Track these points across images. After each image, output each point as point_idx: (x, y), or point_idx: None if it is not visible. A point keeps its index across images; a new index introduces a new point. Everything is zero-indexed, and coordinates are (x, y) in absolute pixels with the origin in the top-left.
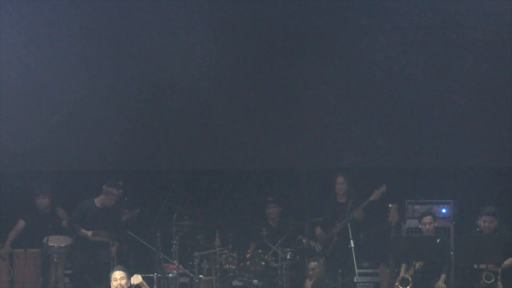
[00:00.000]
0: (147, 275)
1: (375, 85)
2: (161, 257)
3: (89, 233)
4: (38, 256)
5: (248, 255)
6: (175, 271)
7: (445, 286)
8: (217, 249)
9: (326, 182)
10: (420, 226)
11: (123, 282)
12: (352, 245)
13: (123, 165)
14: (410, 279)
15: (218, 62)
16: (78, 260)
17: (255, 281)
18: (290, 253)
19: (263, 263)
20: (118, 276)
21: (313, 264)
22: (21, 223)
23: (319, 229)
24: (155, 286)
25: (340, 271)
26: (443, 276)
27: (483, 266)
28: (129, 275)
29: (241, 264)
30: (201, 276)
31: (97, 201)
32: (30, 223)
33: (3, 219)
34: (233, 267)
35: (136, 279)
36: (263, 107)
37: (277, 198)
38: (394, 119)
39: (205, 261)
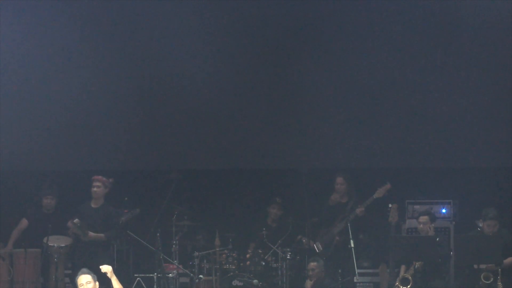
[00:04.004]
0: (147, 275)
1: (375, 85)
2: (161, 257)
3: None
4: (38, 256)
5: (248, 255)
6: (175, 271)
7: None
8: (217, 249)
9: (326, 182)
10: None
11: (90, 286)
12: (352, 245)
13: (124, 165)
14: (410, 278)
15: (218, 62)
16: (78, 261)
17: (255, 281)
18: (290, 253)
19: (263, 263)
20: (83, 281)
21: (313, 264)
22: (24, 223)
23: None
24: (155, 286)
25: (340, 271)
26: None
27: (483, 266)
28: (95, 278)
29: (241, 264)
30: (201, 276)
31: (92, 202)
32: (33, 222)
33: (6, 218)
34: (233, 267)
35: (106, 268)
36: (263, 107)
37: (284, 201)
38: (394, 119)
39: (205, 261)
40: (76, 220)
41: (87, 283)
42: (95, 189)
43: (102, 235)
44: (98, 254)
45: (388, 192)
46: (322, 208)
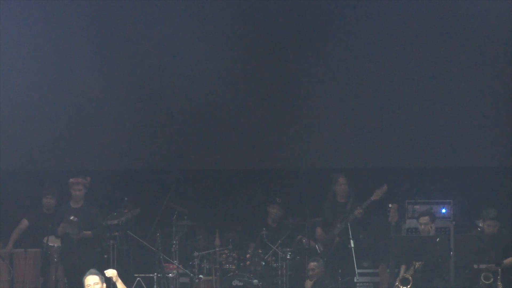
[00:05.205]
0: (147, 275)
1: (375, 85)
2: (161, 257)
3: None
4: (38, 256)
5: (248, 255)
6: (175, 271)
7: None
8: (217, 249)
9: (326, 182)
10: (418, 226)
11: (97, 287)
12: (352, 245)
13: (123, 165)
14: (410, 278)
15: (218, 62)
16: (68, 261)
17: (255, 281)
18: (290, 253)
19: (263, 263)
20: (91, 281)
21: (313, 264)
22: (24, 223)
23: (320, 230)
24: (155, 286)
25: (340, 271)
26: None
27: (483, 266)
28: (102, 279)
29: (241, 264)
30: (201, 276)
31: (72, 203)
32: (33, 222)
33: (7, 218)
34: (233, 267)
35: (111, 273)
36: (263, 107)
37: (284, 201)
38: (394, 119)
39: (205, 261)
40: (72, 217)
41: (94, 284)
42: (77, 192)
43: (89, 232)
44: (87, 254)
45: (385, 194)
46: (329, 206)
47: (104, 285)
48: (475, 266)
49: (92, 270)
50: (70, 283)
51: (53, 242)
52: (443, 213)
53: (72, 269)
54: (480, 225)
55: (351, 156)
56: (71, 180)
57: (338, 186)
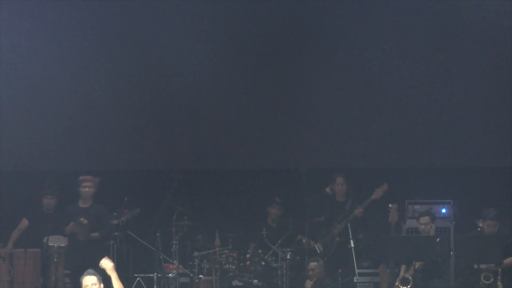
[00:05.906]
0: (147, 275)
1: (375, 85)
2: (161, 257)
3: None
4: (38, 256)
5: (248, 255)
6: (175, 271)
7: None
8: (217, 249)
9: (326, 182)
10: (418, 226)
11: None
12: (352, 245)
13: (123, 165)
14: (410, 278)
15: (219, 62)
16: (74, 261)
17: (255, 281)
18: (290, 253)
19: (263, 263)
20: (88, 282)
21: (313, 264)
22: (24, 222)
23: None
24: (155, 286)
25: (340, 271)
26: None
27: (483, 266)
28: (100, 279)
29: (241, 264)
30: (201, 276)
31: (80, 202)
32: (33, 222)
33: (7, 218)
34: (233, 267)
35: (105, 265)
36: (263, 107)
37: (283, 201)
38: (394, 119)
39: (205, 261)
40: (82, 219)
41: (92, 284)
42: (86, 189)
43: (97, 234)
44: (93, 253)
45: (386, 192)
46: (328, 205)
47: (102, 285)
48: (475, 266)
49: (90, 270)
50: (74, 283)
51: (53, 242)
52: (443, 213)
53: (78, 268)
54: (480, 225)
55: (351, 156)
56: (80, 177)
57: (336, 186)
